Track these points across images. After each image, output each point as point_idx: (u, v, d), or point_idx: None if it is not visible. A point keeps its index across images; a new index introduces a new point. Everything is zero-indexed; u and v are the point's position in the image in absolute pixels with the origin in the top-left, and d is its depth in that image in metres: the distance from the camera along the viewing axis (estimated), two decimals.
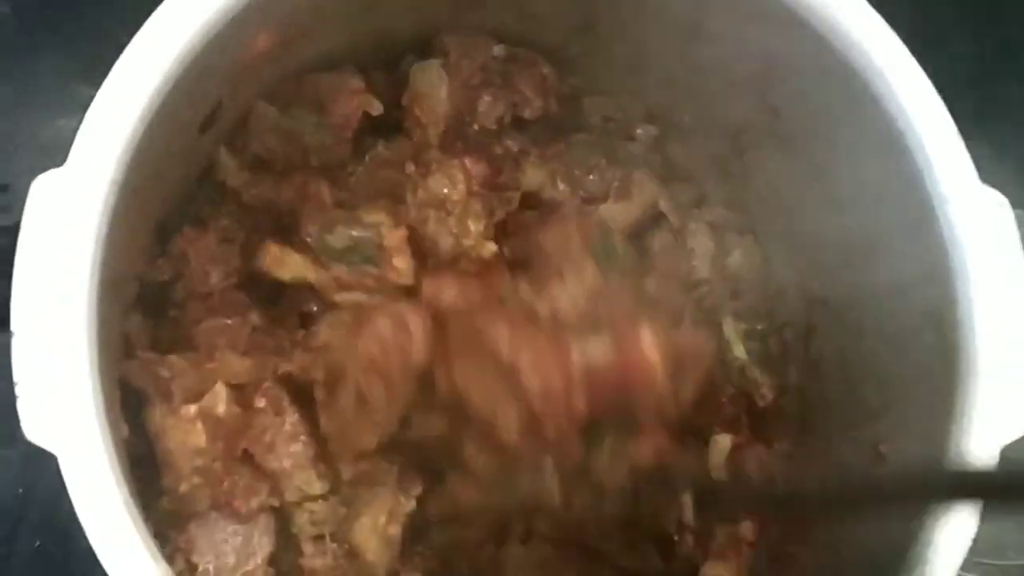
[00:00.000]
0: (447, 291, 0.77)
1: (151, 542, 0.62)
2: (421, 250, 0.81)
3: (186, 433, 0.72)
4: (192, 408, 0.72)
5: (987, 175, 0.69)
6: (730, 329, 0.89)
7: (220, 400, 0.73)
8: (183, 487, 0.72)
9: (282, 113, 0.80)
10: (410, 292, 0.80)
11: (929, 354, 0.71)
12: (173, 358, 0.74)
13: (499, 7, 0.82)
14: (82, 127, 0.62)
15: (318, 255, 0.78)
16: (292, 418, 0.78)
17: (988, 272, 0.68)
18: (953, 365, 0.69)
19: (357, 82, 0.81)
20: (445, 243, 0.81)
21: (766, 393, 0.88)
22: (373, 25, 0.80)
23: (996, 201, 0.69)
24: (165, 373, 0.73)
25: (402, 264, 0.79)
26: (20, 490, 0.93)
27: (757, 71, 0.78)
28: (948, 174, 0.69)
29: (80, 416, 0.61)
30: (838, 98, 0.73)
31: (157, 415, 0.72)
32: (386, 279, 0.79)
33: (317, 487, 0.78)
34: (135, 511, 0.62)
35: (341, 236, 0.79)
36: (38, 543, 0.93)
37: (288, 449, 0.77)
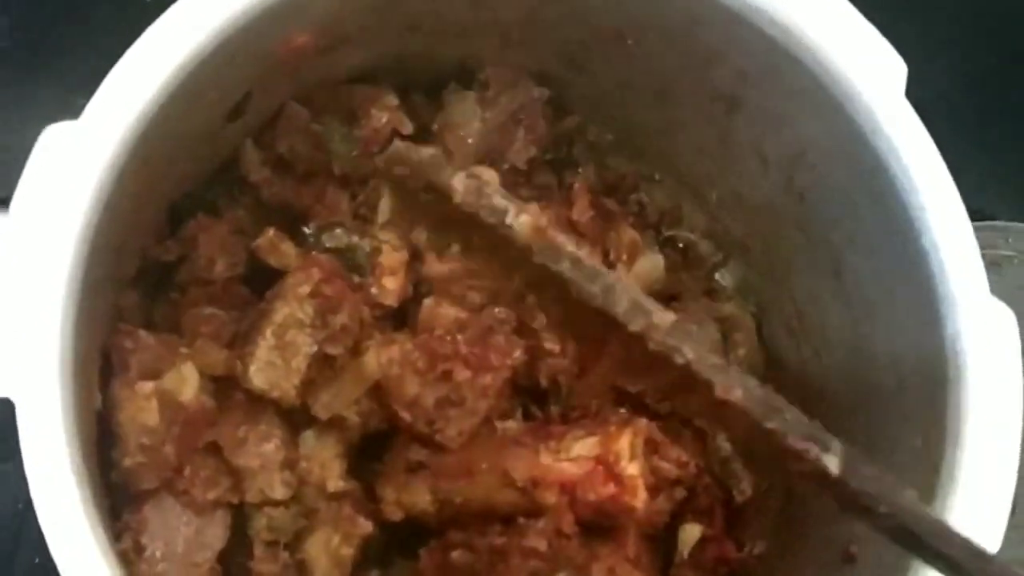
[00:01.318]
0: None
1: (92, 508, 0.62)
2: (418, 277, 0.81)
3: (138, 409, 0.71)
4: (148, 385, 0.71)
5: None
6: None
7: (189, 387, 0.72)
8: (127, 462, 0.71)
9: (313, 117, 0.80)
10: (388, 315, 0.80)
11: (913, 459, 0.69)
12: (142, 332, 0.73)
13: (545, 51, 0.82)
14: (102, 84, 0.63)
15: (309, 250, 0.78)
16: (268, 418, 0.77)
17: (984, 386, 0.67)
18: (933, 476, 0.67)
19: (392, 99, 0.81)
20: (445, 276, 0.81)
21: (745, 489, 0.85)
22: (417, 46, 0.80)
23: (1004, 315, 0.68)
24: (128, 344, 0.72)
25: (392, 285, 0.79)
26: (20, 505, 0.94)
27: (788, 152, 0.78)
28: (960, 281, 0.68)
29: (43, 369, 0.61)
30: (863, 190, 0.72)
31: (116, 386, 0.71)
32: (367, 293, 0.78)
33: (279, 492, 0.77)
34: (84, 473, 0.62)
35: (336, 238, 0.79)
36: (37, 560, 0.94)
37: (259, 448, 0.76)
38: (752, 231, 0.87)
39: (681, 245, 0.91)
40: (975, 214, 1.01)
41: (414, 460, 0.79)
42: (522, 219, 0.53)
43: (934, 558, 0.54)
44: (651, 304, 0.54)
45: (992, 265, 0.98)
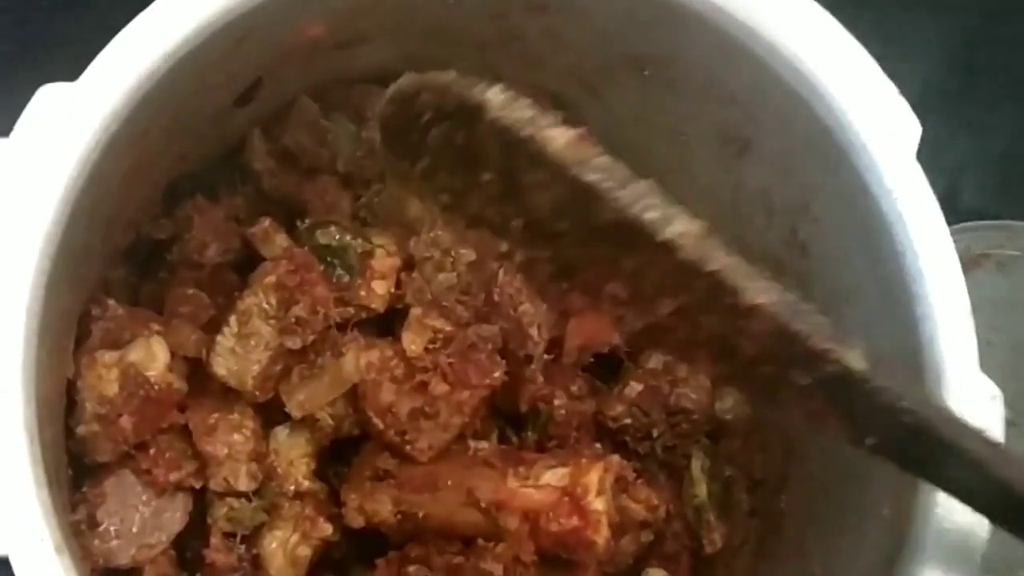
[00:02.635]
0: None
1: (42, 471, 0.61)
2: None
3: (97, 377, 0.71)
4: (110, 354, 0.71)
5: None
6: (698, 467, 0.85)
7: (157, 363, 0.72)
8: (81, 429, 0.70)
9: (324, 113, 0.80)
10: (373, 321, 0.79)
11: (881, 532, 0.68)
12: (111, 302, 0.73)
13: (563, 72, 0.81)
14: (103, 52, 0.63)
15: (302, 244, 0.77)
16: (242, 408, 0.77)
17: None
18: (900, 550, 0.65)
19: None
20: (436, 289, 0.80)
21: (716, 540, 0.83)
22: (435, 53, 0.79)
23: (989, 393, 0.66)
24: (95, 311, 0.72)
25: (381, 290, 0.78)
26: None
27: (794, 202, 0.76)
28: (949, 354, 0.66)
29: (8, 326, 0.60)
30: (863, 248, 0.71)
31: (79, 352, 0.71)
32: (355, 294, 0.78)
33: (244, 483, 0.76)
34: (38, 435, 0.61)
35: (329, 235, 0.78)
36: None
37: (228, 437, 0.76)
38: None
39: None
40: (980, 214, 1.02)
41: (381, 468, 0.78)
42: (557, 129, 0.52)
43: (954, 457, 0.55)
44: (682, 211, 0.54)
45: (998, 265, 0.97)
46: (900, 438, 0.56)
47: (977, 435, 0.56)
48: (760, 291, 0.54)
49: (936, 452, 0.56)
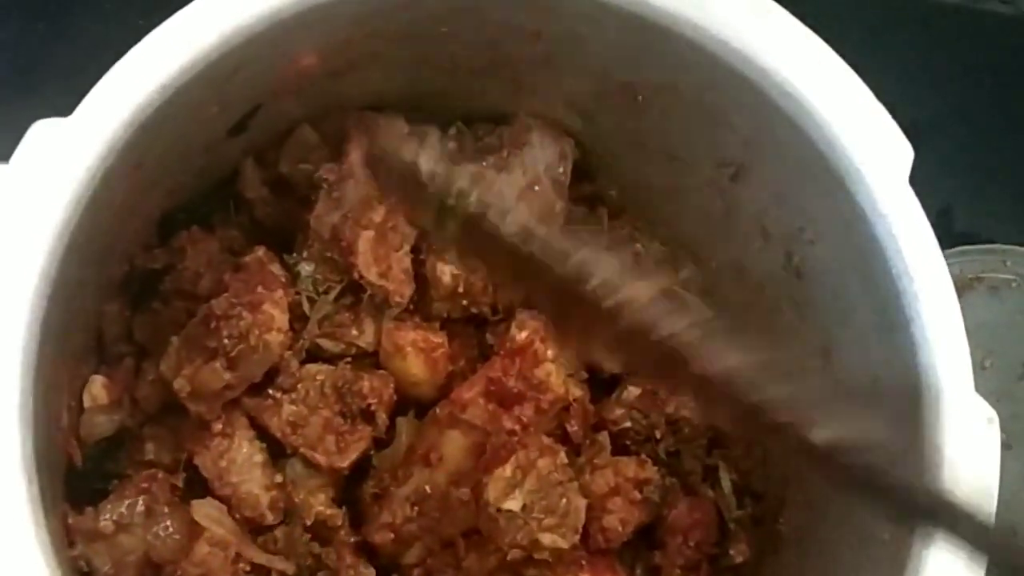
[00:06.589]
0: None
1: (40, 508, 0.61)
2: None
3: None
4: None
5: None
6: (727, 480, 0.85)
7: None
8: None
9: (323, 141, 0.80)
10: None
11: (882, 556, 0.68)
12: None
13: (557, 99, 0.82)
14: (97, 85, 0.63)
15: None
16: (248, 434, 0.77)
17: (958, 484, 0.65)
18: (899, 570, 0.65)
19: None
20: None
21: (745, 550, 0.83)
22: (429, 81, 0.80)
23: (985, 415, 0.66)
24: None
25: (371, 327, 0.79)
26: None
27: (789, 226, 0.76)
28: (946, 376, 0.66)
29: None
30: (857, 271, 0.71)
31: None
32: (346, 332, 0.79)
33: (270, 518, 0.76)
34: (32, 470, 0.61)
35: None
36: None
37: (246, 475, 0.76)
38: (748, 302, 0.86)
39: None
40: (974, 238, 1.01)
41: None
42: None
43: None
44: (631, 277, 0.54)
45: (991, 289, 0.97)
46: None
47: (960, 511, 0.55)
48: (709, 361, 0.53)
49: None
